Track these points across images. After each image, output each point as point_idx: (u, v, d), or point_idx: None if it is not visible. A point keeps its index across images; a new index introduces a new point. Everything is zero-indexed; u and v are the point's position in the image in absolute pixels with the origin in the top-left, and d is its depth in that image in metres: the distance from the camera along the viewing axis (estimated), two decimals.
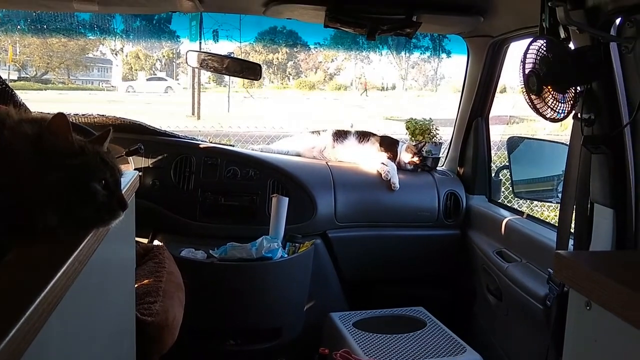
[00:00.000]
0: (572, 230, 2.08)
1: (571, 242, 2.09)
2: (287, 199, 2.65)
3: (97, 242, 0.99)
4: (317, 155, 3.10)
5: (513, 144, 3.01)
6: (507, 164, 3.05)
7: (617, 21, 1.81)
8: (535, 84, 1.86)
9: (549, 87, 1.85)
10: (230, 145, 3.12)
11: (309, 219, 2.77)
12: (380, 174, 2.93)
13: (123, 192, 1.13)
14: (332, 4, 2.33)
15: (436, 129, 3.16)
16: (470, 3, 2.35)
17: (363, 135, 3.11)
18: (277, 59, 21.83)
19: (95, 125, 2.65)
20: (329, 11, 2.35)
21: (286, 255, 2.61)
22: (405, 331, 2.55)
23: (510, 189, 3.08)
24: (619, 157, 1.91)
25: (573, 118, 1.98)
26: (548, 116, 1.87)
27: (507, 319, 2.54)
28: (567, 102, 1.89)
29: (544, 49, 1.85)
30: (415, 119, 3.19)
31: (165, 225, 2.74)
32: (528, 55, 1.88)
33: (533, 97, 1.91)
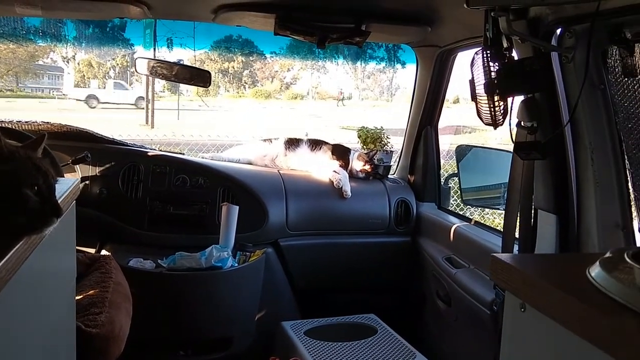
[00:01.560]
0: (518, 236, 2.13)
1: (517, 247, 2.14)
2: (238, 207, 2.63)
3: (29, 250, 0.95)
4: (269, 163, 3.09)
5: (461, 152, 3.07)
6: (456, 171, 3.10)
7: (558, 31, 1.87)
8: (480, 92, 1.91)
9: (493, 95, 1.89)
10: (180, 154, 3.08)
11: (260, 227, 2.76)
12: (332, 182, 2.94)
13: (61, 199, 1.10)
14: (282, 12, 2.34)
15: (387, 137, 3.19)
16: (418, 13, 2.39)
17: (315, 144, 3.11)
18: (233, 67, 21.74)
19: (40, 133, 2.58)
20: (278, 19, 2.35)
21: (236, 265, 2.58)
22: (356, 339, 2.55)
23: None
24: (560, 165, 1.97)
25: (516, 126, 2.03)
26: (491, 123, 1.91)
27: (456, 324, 2.57)
28: (508, 109, 1.94)
29: (488, 58, 1.89)
30: (367, 128, 3.22)
31: (113, 235, 2.69)
32: (473, 65, 1.92)
33: (478, 104, 1.95)
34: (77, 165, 2.68)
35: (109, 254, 2.45)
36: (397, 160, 3.32)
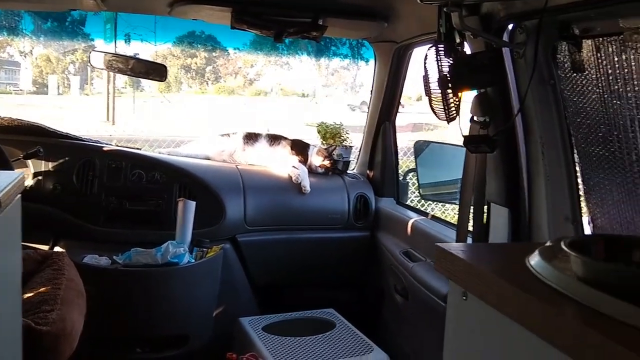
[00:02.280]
0: (472, 229, 2.16)
1: (471, 240, 2.18)
2: (194, 202, 2.60)
3: None
4: (227, 158, 3.06)
5: (419, 148, 3.09)
6: (415, 167, 3.13)
7: (510, 27, 1.89)
8: (434, 86, 1.93)
9: (446, 90, 1.91)
10: (137, 149, 3.03)
11: (218, 223, 2.73)
12: (291, 178, 2.93)
13: (2, 192, 1.08)
14: (238, 5, 2.32)
15: (346, 132, 3.20)
16: (374, 9, 2.40)
17: (274, 139, 3.10)
18: (196, 63, 21.50)
19: None
20: (235, 12, 2.34)
21: (193, 261, 2.56)
22: (314, 333, 2.55)
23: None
24: (512, 159, 2.00)
25: (470, 121, 2.06)
26: (444, 118, 1.93)
27: (412, 317, 2.59)
28: (459, 103, 1.96)
29: (441, 53, 1.91)
30: (326, 123, 3.22)
31: (67, 231, 2.64)
32: (427, 60, 1.94)
33: (431, 100, 1.97)
34: (30, 161, 2.61)
35: (62, 250, 2.41)
36: (357, 155, 3.33)
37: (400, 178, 3.22)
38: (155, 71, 2.67)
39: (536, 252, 0.88)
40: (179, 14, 2.47)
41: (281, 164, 3.00)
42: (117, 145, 3.01)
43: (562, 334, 0.74)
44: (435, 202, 4.24)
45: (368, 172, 3.21)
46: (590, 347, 0.70)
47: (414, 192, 3.89)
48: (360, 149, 3.29)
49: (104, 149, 2.80)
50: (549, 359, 0.75)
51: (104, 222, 2.67)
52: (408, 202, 3.45)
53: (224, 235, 2.77)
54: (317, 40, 2.50)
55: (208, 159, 3.06)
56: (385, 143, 3.09)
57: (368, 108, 3.15)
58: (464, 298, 0.92)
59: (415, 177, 3.14)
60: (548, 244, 0.91)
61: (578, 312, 0.75)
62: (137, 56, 2.99)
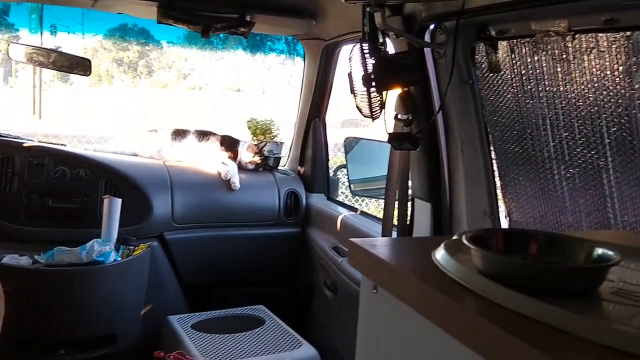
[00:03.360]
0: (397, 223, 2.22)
1: (396, 234, 2.23)
2: (120, 200, 2.55)
3: None
4: (155, 154, 3.01)
5: (349, 144, 3.14)
6: (345, 163, 3.17)
7: (431, 27, 1.95)
8: (357, 85, 1.96)
9: (369, 88, 1.95)
10: (61, 145, 2.94)
11: (145, 220, 2.69)
12: (220, 174, 2.92)
13: None
14: (164, 0, 2.29)
15: (277, 128, 3.21)
16: (302, 7, 2.42)
17: (203, 135, 3.07)
18: (128, 57, 20.98)
19: None
20: (160, 7, 2.31)
21: (119, 259, 2.51)
22: (243, 330, 2.55)
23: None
24: (434, 156, 2.06)
25: (394, 118, 2.10)
26: (369, 115, 1.97)
27: (341, 312, 2.63)
28: (383, 100, 2.00)
29: (365, 52, 1.94)
30: (256, 119, 3.21)
31: None
32: (351, 58, 1.97)
33: (356, 98, 2.01)
34: None
35: None
36: (289, 151, 3.34)
37: (331, 174, 3.25)
38: (79, 65, 2.60)
39: (441, 246, 0.91)
40: (103, 7, 2.42)
41: (210, 160, 2.98)
42: (40, 141, 2.91)
43: (461, 325, 0.78)
44: (365, 198, 4.30)
45: (299, 168, 3.23)
46: (485, 338, 0.73)
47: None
48: (291, 145, 3.30)
49: (25, 144, 2.71)
50: (450, 350, 0.79)
51: (25, 220, 2.59)
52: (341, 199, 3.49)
53: (151, 233, 2.73)
54: (246, 36, 2.49)
55: (135, 155, 3.00)
56: (316, 139, 3.11)
57: (298, 104, 3.16)
58: (375, 291, 0.95)
59: (346, 173, 3.19)
60: (454, 237, 0.95)
61: (476, 304, 0.78)
62: (60, 49, 2.90)
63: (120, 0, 2.31)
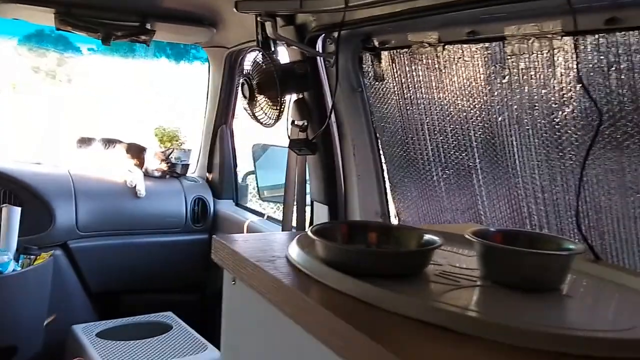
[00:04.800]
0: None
1: None
2: (19, 209, 2.51)
3: None
4: (58, 162, 2.97)
5: (257, 151, 3.19)
6: (253, 169, 3.22)
7: (321, 37, 2.04)
8: (249, 92, 2.02)
9: (262, 95, 2.02)
10: None
11: (47, 229, 2.65)
12: (126, 182, 2.91)
13: None
14: (61, 7, 2.28)
15: (184, 136, 3.23)
16: (202, 15, 2.46)
17: (109, 142, 3.05)
18: (46, 64, 20.31)
19: None
20: (57, 14, 2.30)
21: (19, 269, 2.46)
22: (150, 336, 2.56)
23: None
24: (330, 160, 2.15)
25: (291, 124, 2.18)
26: (263, 122, 2.04)
27: None
28: (278, 108, 2.08)
29: (259, 60, 2.01)
30: (163, 127, 3.22)
31: None
32: (245, 66, 2.04)
33: (249, 104, 2.07)
34: None
35: None
36: (197, 159, 3.36)
37: (240, 180, 3.29)
38: None
39: (294, 240, 0.99)
40: None
41: (116, 167, 2.96)
42: None
43: (300, 311, 0.85)
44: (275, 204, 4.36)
45: (207, 174, 3.25)
46: (323, 325, 0.80)
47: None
48: (199, 153, 3.32)
49: None
50: (295, 335, 0.85)
51: None
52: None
53: (54, 241, 2.69)
54: (147, 44, 2.51)
55: (38, 163, 2.95)
56: (224, 146, 3.15)
57: (205, 112, 3.19)
58: (233, 283, 1.01)
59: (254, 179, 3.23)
60: (306, 232, 1.03)
61: (317, 292, 0.86)
62: None
63: (14, 5, 2.27)
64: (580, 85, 1.23)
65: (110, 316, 2.76)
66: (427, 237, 0.93)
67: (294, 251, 0.95)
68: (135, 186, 2.87)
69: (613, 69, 1.19)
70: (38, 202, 2.65)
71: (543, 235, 1.08)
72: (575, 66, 1.25)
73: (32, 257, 2.54)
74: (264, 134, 2.86)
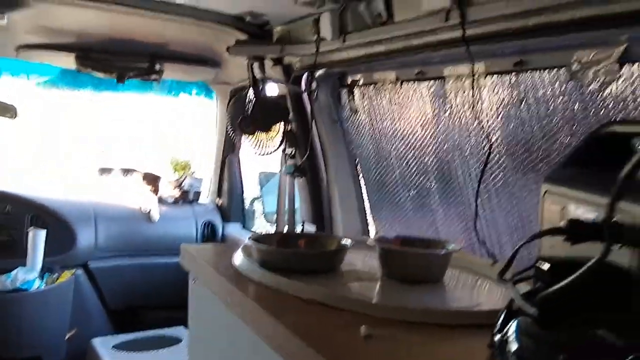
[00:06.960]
0: None
1: None
2: (44, 231, 2.77)
3: None
4: (81, 188, 3.26)
5: (263, 179, 3.43)
6: (260, 196, 3.46)
7: (305, 76, 2.29)
8: (245, 125, 2.28)
9: (256, 128, 2.27)
10: None
11: (69, 250, 2.91)
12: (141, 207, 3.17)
13: None
14: (81, 52, 2.58)
15: (197, 164, 3.50)
16: (206, 56, 2.73)
17: (127, 171, 3.33)
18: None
19: None
20: (77, 58, 2.59)
21: (43, 287, 2.73)
22: (161, 348, 2.79)
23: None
24: (316, 185, 2.39)
25: (282, 152, 2.42)
26: (260, 152, 2.29)
27: None
28: (274, 139, 2.33)
29: (251, 97, 2.27)
30: (177, 158, 3.51)
31: None
32: (228, 105, 2.30)
33: (246, 136, 2.33)
34: None
35: None
36: (209, 185, 3.62)
37: (247, 205, 3.54)
38: (6, 110, 2.84)
39: (239, 249, 1.22)
40: (25, 57, 2.69)
41: (133, 194, 3.24)
42: None
43: (243, 310, 1.07)
44: None
45: (218, 200, 3.50)
46: (255, 319, 1.02)
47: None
48: (211, 180, 3.58)
49: None
50: (236, 327, 1.07)
51: None
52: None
53: (76, 261, 2.95)
54: (158, 82, 2.79)
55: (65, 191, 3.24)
56: (232, 173, 3.40)
57: (215, 142, 3.45)
58: (194, 281, 1.25)
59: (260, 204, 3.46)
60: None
61: (253, 290, 1.08)
62: None
63: (41, 50, 2.58)
64: (476, 120, 1.45)
65: (126, 330, 3.00)
66: (343, 242, 1.15)
67: (238, 257, 1.18)
68: (149, 211, 3.13)
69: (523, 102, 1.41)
70: (61, 225, 2.92)
71: (435, 240, 1.29)
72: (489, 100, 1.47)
73: (55, 276, 2.80)
74: (270, 161, 3.11)
